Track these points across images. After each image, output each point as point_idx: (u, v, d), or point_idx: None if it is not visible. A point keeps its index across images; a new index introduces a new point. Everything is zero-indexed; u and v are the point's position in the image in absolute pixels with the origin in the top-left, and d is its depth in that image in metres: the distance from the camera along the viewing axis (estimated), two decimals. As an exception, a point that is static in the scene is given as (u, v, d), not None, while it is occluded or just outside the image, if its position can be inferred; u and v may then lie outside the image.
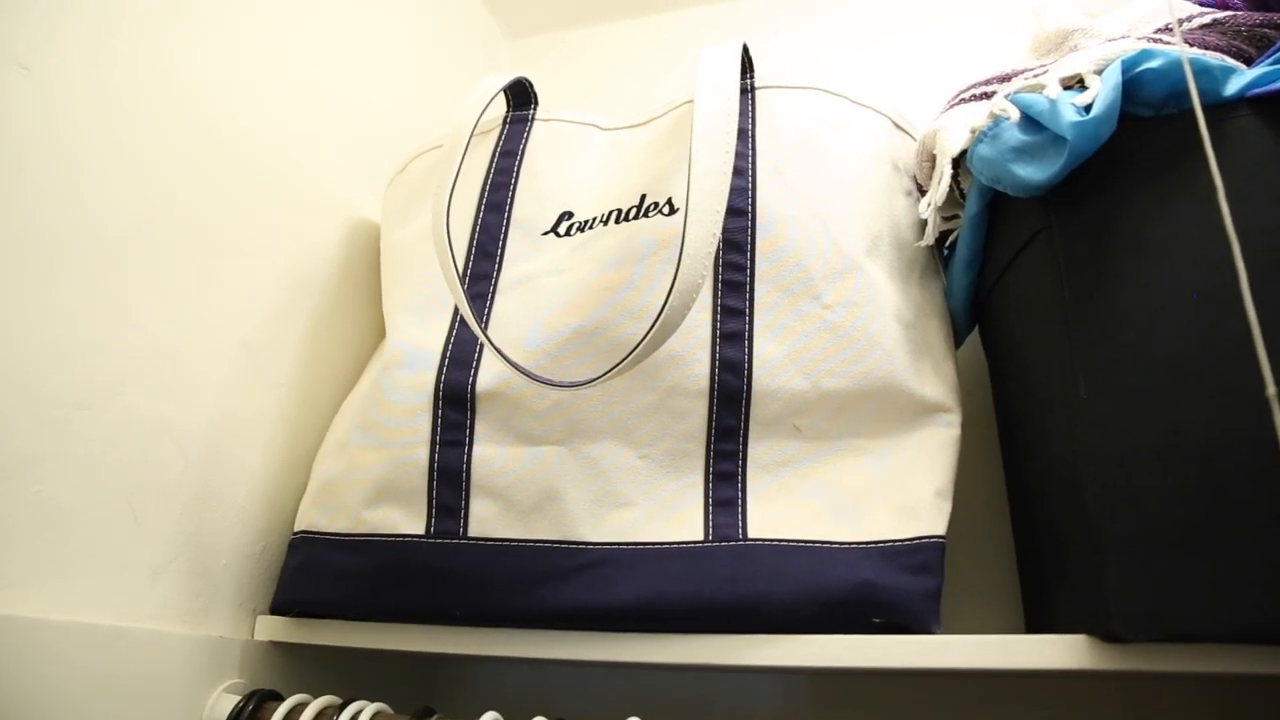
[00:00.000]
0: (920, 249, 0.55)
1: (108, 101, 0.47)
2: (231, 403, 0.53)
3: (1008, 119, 0.45)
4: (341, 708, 0.46)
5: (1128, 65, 0.43)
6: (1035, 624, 0.51)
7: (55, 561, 0.42)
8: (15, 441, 0.40)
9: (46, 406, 0.42)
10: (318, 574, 0.50)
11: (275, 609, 0.51)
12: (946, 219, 0.55)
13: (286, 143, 0.61)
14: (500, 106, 0.62)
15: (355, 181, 0.68)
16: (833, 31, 0.89)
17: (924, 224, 0.54)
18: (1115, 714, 0.57)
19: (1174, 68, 0.42)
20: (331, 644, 0.51)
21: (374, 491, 0.50)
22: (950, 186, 0.52)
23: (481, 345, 0.51)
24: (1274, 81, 0.42)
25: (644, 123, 0.58)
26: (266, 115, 0.59)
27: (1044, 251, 0.46)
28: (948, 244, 0.56)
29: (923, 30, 0.86)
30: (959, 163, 0.50)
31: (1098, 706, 0.57)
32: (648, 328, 0.43)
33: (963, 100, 0.52)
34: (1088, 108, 0.43)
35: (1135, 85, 0.43)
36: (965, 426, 0.60)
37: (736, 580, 0.45)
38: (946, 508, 0.48)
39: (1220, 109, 0.43)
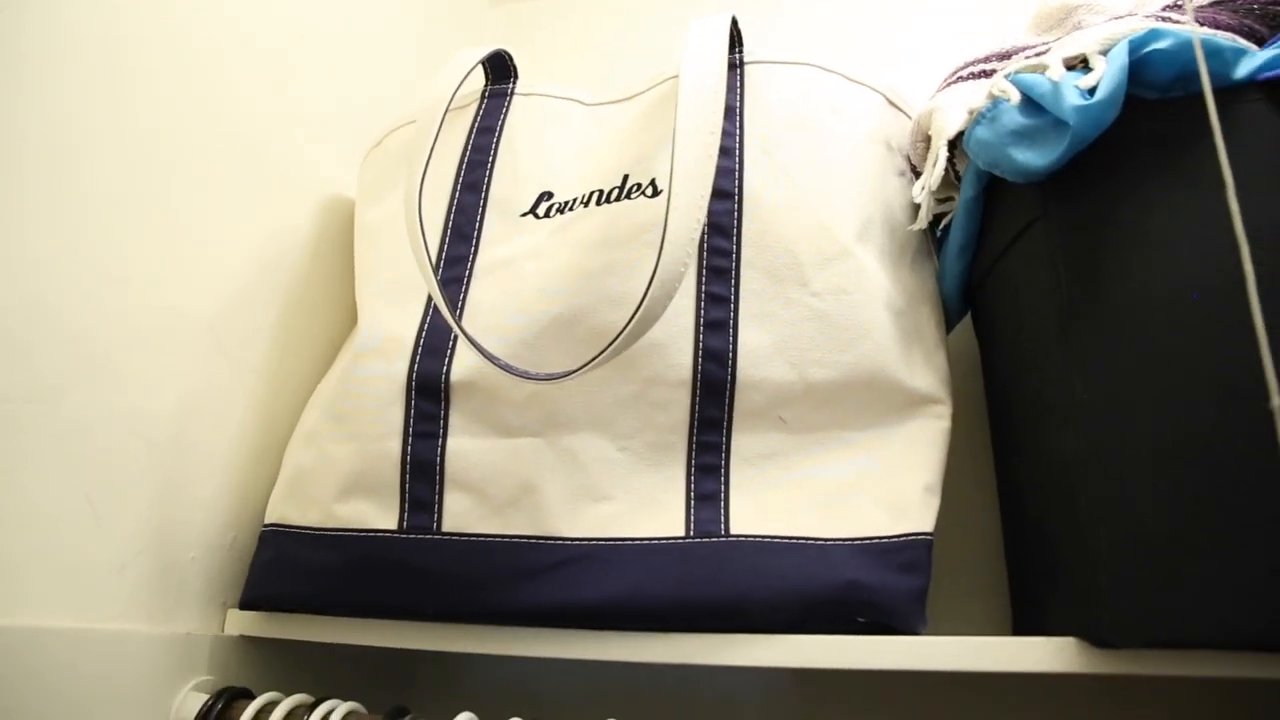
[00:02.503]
0: (913, 232, 0.53)
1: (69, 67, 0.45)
2: (198, 390, 0.51)
3: (1007, 100, 0.43)
4: (313, 706, 0.45)
5: (1135, 45, 0.41)
6: (1023, 625, 0.50)
7: (9, 564, 0.40)
8: (-38, 439, 0.39)
9: (-4, 401, 0.40)
10: (288, 569, 0.48)
11: (244, 604, 0.50)
12: (941, 201, 0.53)
13: (255, 113, 0.58)
14: (478, 79, 0.59)
15: (329, 154, 0.65)
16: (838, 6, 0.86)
17: (917, 207, 0.52)
18: (1107, 715, 0.56)
19: (1183, 48, 0.40)
20: (302, 639, 0.49)
21: (345, 484, 0.48)
22: (946, 169, 0.50)
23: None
24: (1286, 64, 0.40)
25: (628, 98, 0.56)
26: (232, 82, 0.56)
27: (1040, 240, 0.44)
28: (941, 226, 0.54)
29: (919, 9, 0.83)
30: (955, 145, 0.48)
31: (1090, 707, 0.57)
32: (629, 316, 0.41)
33: (960, 78, 0.50)
34: (1091, 90, 0.41)
35: (1142, 67, 0.41)
36: (956, 416, 0.58)
37: (719, 579, 0.43)
38: (935, 503, 0.47)
39: (1230, 92, 0.41)
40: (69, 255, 0.44)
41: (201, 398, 0.52)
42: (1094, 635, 0.39)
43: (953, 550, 0.60)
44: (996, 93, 0.44)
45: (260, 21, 0.59)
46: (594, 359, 0.41)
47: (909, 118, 0.54)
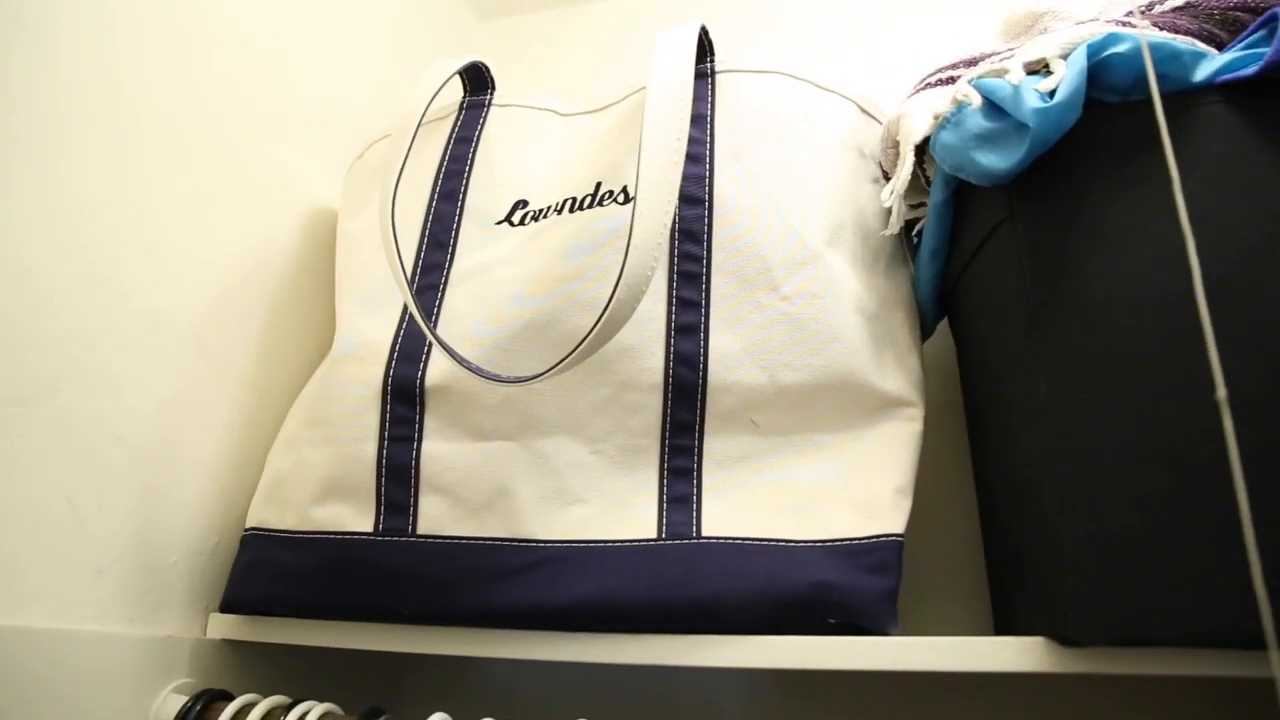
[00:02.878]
0: (887, 238, 0.54)
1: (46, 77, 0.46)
2: (181, 396, 0.52)
3: (970, 105, 0.44)
4: (290, 708, 0.45)
5: (1093, 50, 0.41)
6: (1002, 626, 0.51)
7: (-13, 563, 0.41)
8: (-58, 442, 0.39)
9: (-23, 405, 0.41)
10: (267, 572, 0.49)
11: (225, 607, 0.50)
12: (913, 207, 0.53)
13: (246, 126, 0.59)
14: (457, 92, 0.60)
15: (317, 168, 0.67)
16: (831, 17, 0.87)
17: (889, 212, 0.52)
18: (1093, 709, 0.56)
19: (1141, 52, 0.41)
20: (282, 642, 0.50)
21: (322, 488, 0.49)
22: (916, 174, 0.51)
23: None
24: (1244, 67, 0.41)
25: (602, 108, 0.57)
26: (226, 96, 0.57)
27: (1007, 242, 0.44)
28: (915, 232, 0.55)
29: (903, 18, 0.84)
30: (923, 150, 0.49)
31: (1066, 707, 0.57)
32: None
33: (928, 85, 0.50)
34: (1052, 93, 0.41)
35: (1102, 70, 0.42)
36: (941, 421, 0.58)
37: (689, 580, 0.44)
38: (906, 505, 0.47)
39: (1188, 95, 0.41)
40: (54, 259, 0.45)
41: (185, 404, 0.52)
42: (1060, 634, 0.39)
43: (939, 554, 0.61)
44: (960, 97, 0.44)
45: (254, 33, 0.61)
46: (561, 361, 0.42)
47: (881, 125, 0.55)
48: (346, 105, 0.71)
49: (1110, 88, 0.42)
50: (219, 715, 0.45)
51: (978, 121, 0.44)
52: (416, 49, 0.84)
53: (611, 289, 0.41)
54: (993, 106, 0.44)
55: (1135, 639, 0.36)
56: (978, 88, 0.44)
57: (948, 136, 0.45)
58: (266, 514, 0.51)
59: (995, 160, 0.43)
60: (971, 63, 0.49)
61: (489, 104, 0.59)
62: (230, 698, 0.47)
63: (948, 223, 0.51)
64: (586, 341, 0.42)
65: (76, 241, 0.47)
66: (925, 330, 0.56)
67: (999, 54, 0.48)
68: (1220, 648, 0.36)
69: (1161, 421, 0.37)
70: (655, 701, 0.64)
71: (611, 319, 0.41)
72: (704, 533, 0.45)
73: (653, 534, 0.46)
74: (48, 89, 0.45)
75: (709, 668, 0.48)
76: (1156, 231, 0.40)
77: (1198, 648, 0.36)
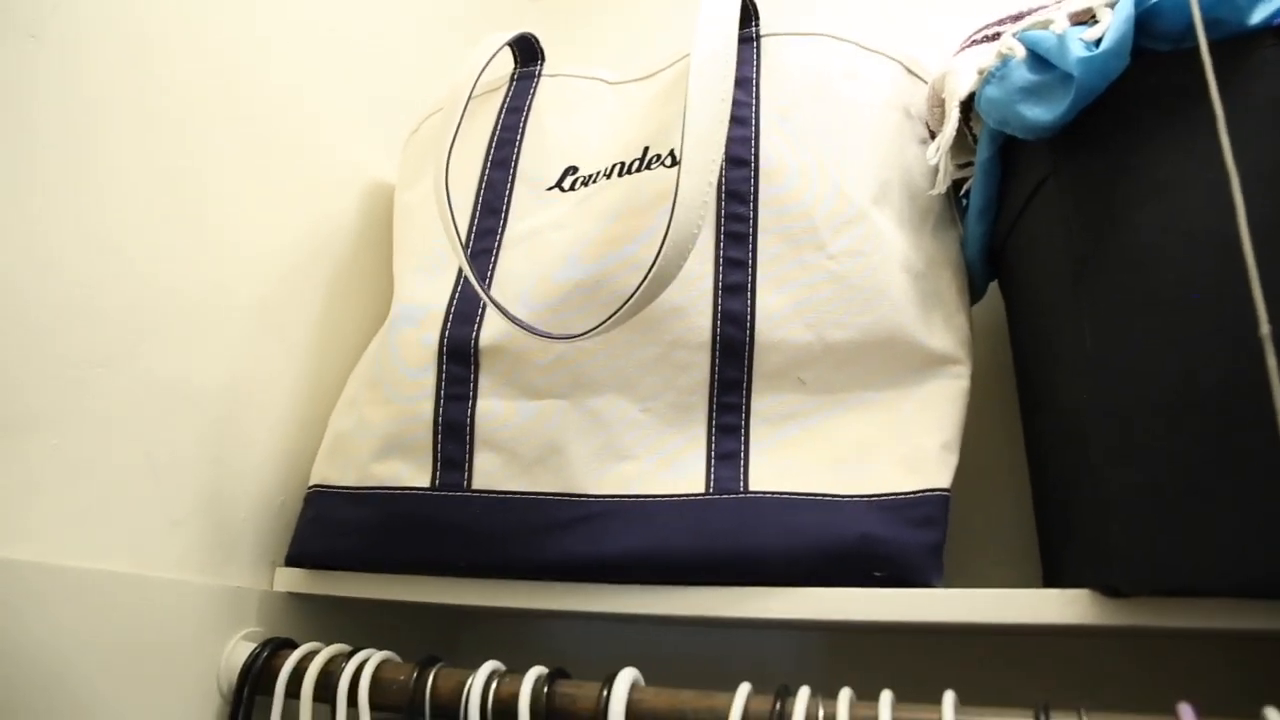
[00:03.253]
0: (935, 198, 0.54)
1: (123, 51, 0.48)
2: (248, 364, 0.55)
3: (1014, 58, 0.44)
4: (350, 655, 0.47)
5: (1141, -3, 0.41)
6: (1051, 581, 0.50)
7: (73, 513, 0.43)
8: (33, 399, 0.42)
9: (62, 365, 0.44)
10: (329, 526, 0.51)
11: (289, 560, 0.53)
12: (961, 166, 0.53)
13: (306, 105, 0.62)
14: (508, 64, 0.62)
15: (375, 144, 0.69)
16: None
17: (936, 171, 0.52)
18: (1133, 671, 0.56)
19: (1191, -3, 0.40)
20: (344, 595, 0.52)
21: (381, 445, 0.51)
22: (963, 132, 0.51)
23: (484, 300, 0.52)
24: (1301, 8, 0.40)
25: (650, 75, 0.58)
26: (286, 75, 0.60)
27: (1053, 197, 0.44)
28: (963, 193, 0.55)
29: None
30: (969, 106, 0.49)
31: (1117, 662, 0.56)
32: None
33: (974, 42, 0.50)
34: (1097, 42, 0.41)
35: (1150, 17, 0.41)
36: (993, 380, 0.58)
37: (737, 532, 0.45)
38: (952, 460, 0.47)
39: (1244, 39, 0.40)
40: (131, 237, 0.48)
41: (253, 371, 0.55)
42: (1105, 584, 0.38)
43: (991, 511, 0.60)
44: (1004, 51, 0.44)
45: (310, 11, 0.63)
46: (609, 318, 0.43)
47: (928, 85, 0.55)
48: (404, 83, 0.73)
49: (1161, 35, 0.42)
50: (284, 661, 0.48)
51: (1022, 74, 0.44)
52: (469, 25, 0.86)
53: (658, 248, 0.42)
54: (1037, 59, 0.43)
55: (1182, 589, 0.36)
56: (1022, 40, 0.44)
57: (992, 91, 0.45)
58: (329, 471, 0.53)
59: (1040, 112, 0.43)
60: (1017, 18, 0.49)
61: (539, 74, 0.60)
62: (295, 646, 0.49)
63: (995, 180, 0.51)
64: (635, 297, 0.43)
65: (150, 223, 0.49)
66: (975, 292, 0.56)
67: (1044, 7, 0.48)
68: (1269, 599, 0.36)
69: (1208, 371, 0.37)
70: (706, 660, 0.65)
71: (659, 275, 0.42)
72: (751, 488, 0.46)
73: (701, 489, 0.47)
74: (76, 88, 0.48)
75: (759, 626, 0.48)
76: (1205, 181, 0.39)
77: (1245, 599, 0.36)
